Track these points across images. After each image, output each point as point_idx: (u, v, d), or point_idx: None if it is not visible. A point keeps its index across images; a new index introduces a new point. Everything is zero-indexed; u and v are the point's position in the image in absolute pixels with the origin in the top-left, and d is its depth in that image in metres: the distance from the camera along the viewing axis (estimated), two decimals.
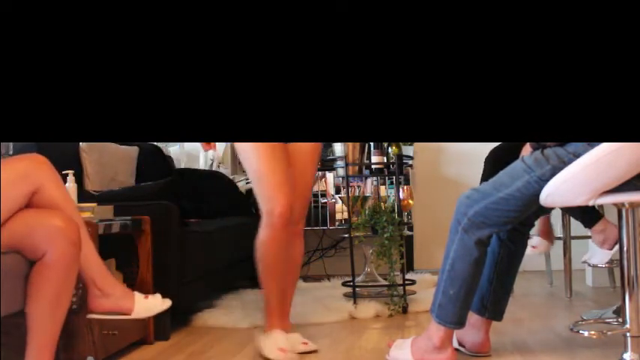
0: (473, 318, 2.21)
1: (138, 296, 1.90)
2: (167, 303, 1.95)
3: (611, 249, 2.72)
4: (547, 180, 1.92)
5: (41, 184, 1.68)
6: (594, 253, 2.80)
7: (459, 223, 2.06)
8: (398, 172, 3.31)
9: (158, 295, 1.95)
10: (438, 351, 2.09)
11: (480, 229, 2.03)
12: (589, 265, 2.90)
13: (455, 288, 2.05)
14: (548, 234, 3.28)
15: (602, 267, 2.91)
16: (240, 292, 3.64)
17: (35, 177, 1.67)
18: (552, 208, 2.25)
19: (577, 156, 1.87)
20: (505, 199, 2.00)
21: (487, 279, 2.21)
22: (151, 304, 1.91)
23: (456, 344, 2.22)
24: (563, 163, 1.89)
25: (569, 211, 2.89)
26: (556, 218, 3.45)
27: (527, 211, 2.06)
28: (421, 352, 2.10)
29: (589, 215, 2.75)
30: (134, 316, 1.89)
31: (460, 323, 2.09)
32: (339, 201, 4.35)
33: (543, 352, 2.29)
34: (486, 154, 3.14)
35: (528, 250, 3.25)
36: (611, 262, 2.86)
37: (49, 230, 1.63)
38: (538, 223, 3.27)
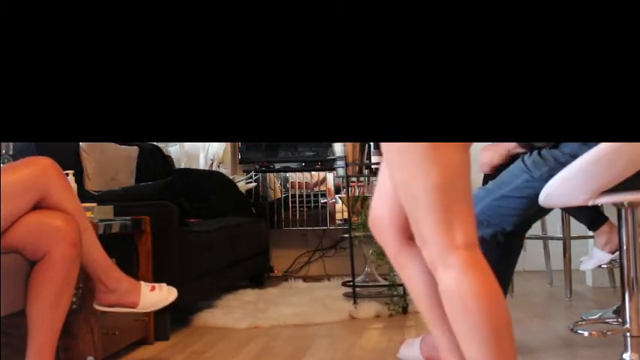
0: None
1: (144, 289, 1.91)
2: (173, 294, 1.95)
3: (612, 252, 2.71)
4: (544, 181, 1.93)
5: (47, 191, 1.68)
6: (592, 255, 2.80)
7: None
8: None
9: (164, 286, 1.96)
10: None
11: (483, 228, 2.06)
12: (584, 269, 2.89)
13: None
14: None
15: (602, 267, 2.91)
16: (240, 292, 3.64)
17: (41, 185, 1.67)
18: (551, 210, 2.25)
19: (573, 156, 1.88)
20: (506, 197, 2.03)
21: None
22: (156, 298, 1.92)
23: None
24: (560, 164, 1.90)
25: (573, 213, 2.88)
26: (556, 218, 3.45)
27: (528, 212, 2.07)
28: (429, 349, 2.10)
29: (594, 217, 2.74)
30: (139, 309, 1.91)
31: None
32: (339, 201, 4.35)
33: (543, 352, 2.29)
34: None
35: None
36: (611, 262, 2.86)
37: (49, 231, 1.63)
38: None
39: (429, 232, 1.20)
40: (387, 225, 1.38)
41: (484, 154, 2.24)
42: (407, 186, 1.22)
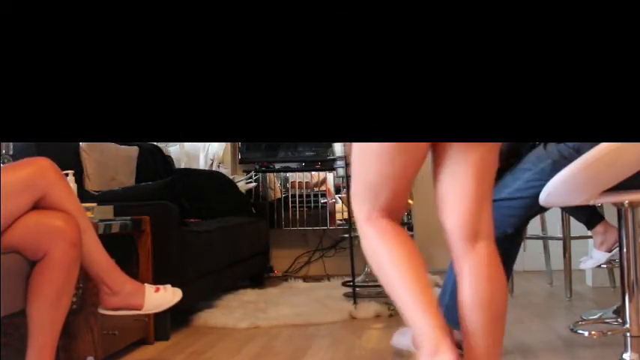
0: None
1: (148, 291, 1.91)
2: (178, 295, 1.96)
3: (609, 251, 2.72)
4: (547, 175, 1.92)
5: (46, 191, 1.67)
6: (591, 255, 2.81)
7: None
8: None
9: (169, 287, 1.96)
10: None
11: None
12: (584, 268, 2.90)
13: None
14: None
15: (602, 267, 2.92)
16: (240, 292, 3.64)
17: (40, 185, 1.67)
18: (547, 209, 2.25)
19: (577, 151, 1.87)
20: (507, 200, 2.02)
21: None
22: (161, 300, 1.92)
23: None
24: (564, 159, 1.90)
25: (571, 212, 2.89)
26: (556, 218, 3.45)
27: (529, 212, 2.07)
28: None
29: (590, 216, 2.75)
30: (144, 311, 1.91)
31: None
32: (339, 201, 4.36)
33: (543, 352, 2.28)
34: None
35: None
36: (611, 262, 2.86)
37: (49, 231, 1.63)
38: None
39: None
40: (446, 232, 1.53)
41: None
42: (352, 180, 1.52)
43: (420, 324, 1.38)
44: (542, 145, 2.02)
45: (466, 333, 1.45)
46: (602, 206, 3.09)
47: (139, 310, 1.90)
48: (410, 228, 3.98)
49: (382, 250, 1.45)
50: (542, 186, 1.94)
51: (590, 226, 2.76)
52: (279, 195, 4.67)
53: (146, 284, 1.94)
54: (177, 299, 1.96)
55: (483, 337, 1.43)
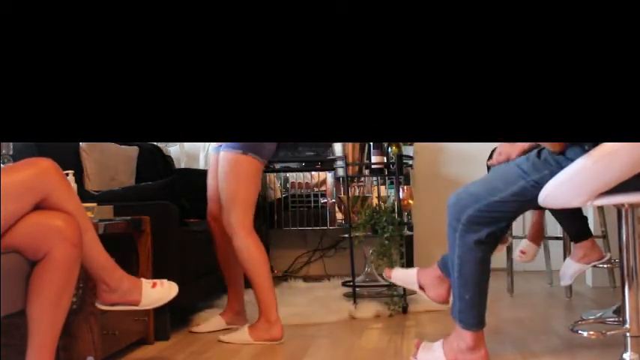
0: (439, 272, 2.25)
1: (145, 287, 1.94)
2: (174, 290, 1.98)
3: (588, 264, 2.71)
4: (544, 184, 1.92)
5: (48, 193, 1.67)
6: (568, 266, 2.78)
7: (454, 229, 2.06)
8: (398, 172, 3.31)
9: (165, 282, 2.00)
10: (471, 351, 2.08)
11: (476, 232, 2.03)
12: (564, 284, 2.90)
13: (469, 292, 2.06)
14: (538, 238, 3.24)
15: (602, 267, 2.91)
16: None
17: (42, 187, 1.66)
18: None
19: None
20: (499, 203, 2.00)
21: None
22: (158, 295, 1.96)
23: (416, 287, 2.31)
24: (561, 169, 1.89)
25: (561, 221, 2.86)
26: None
27: (523, 211, 2.07)
28: (454, 352, 2.10)
29: (580, 232, 2.73)
30: (141, 307, 1.95)
31: (483, 323, 2.09)
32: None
33: (543, 352, 2.29)
34: (486, 155, 3.13)
35: (516, 256, 3.23)
36: (611, 262, 2.85)
37: (50, 231, 1.63)
38: (530, 226, 3.25)
39: (232, 219, 2.61)
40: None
41: (503, 147, 2.21)
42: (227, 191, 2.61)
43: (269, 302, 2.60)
44: (533, 154, 1.99)
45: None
46: (602, 208, 3.08)
47: (137, 305, 1.93)
48: (410, 228, 3.98)
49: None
50: (536, 193, 1.94)
51: (577, 239, 2.73)
52: (279, 195, 4.67)
53: (143, 279, 1.96)
54: (174, 294, 1.99)
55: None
